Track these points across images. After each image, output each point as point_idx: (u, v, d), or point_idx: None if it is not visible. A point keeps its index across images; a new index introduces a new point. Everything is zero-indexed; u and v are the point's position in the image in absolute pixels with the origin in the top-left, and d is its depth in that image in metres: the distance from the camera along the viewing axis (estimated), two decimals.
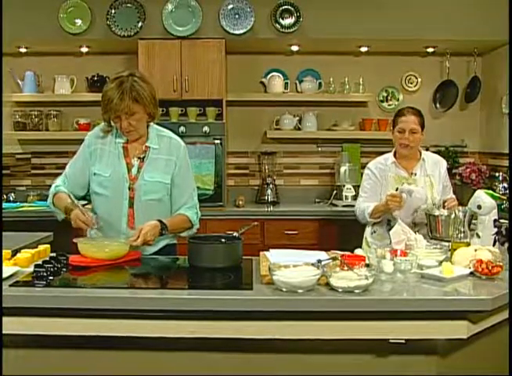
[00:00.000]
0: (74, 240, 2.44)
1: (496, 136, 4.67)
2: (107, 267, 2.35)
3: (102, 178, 2.61)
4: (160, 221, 2.55)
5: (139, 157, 2.63)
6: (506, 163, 4.37)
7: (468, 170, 4.63)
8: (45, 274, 2.14)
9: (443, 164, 3.39)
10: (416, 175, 3.28)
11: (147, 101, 2.52)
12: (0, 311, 1.89)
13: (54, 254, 2.41)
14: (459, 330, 1.94)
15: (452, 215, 2.58)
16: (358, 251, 2.44)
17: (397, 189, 3.10)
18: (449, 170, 4.75)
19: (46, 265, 2.19)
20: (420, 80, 4.96)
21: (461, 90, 4.86)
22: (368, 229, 3.41)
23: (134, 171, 2.61)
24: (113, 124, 2.59)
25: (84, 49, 4.64)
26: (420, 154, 3.33)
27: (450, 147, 4.90)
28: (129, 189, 2.60)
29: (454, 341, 1.99)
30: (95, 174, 2.62)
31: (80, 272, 2.27)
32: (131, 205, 2.60)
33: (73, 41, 4.38)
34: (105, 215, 2.63)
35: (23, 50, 4.61)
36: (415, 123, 3.24)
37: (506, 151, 4.28)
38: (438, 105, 4.93)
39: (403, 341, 1.97)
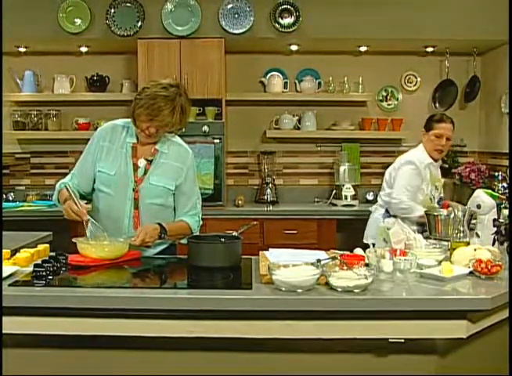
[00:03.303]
0: (74, 240, 2.44)
1: (496, 136, 4.67)
2: (107, 266, 2.34)
3: (107, 176, 2.59)
4: (161, 225, 2.54)
5: (147, 159, 2.61)
6: (505, 162, 4.38)
7: (467, 169, 4.63)
8: (44, 274, 2.14)
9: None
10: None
11: (184, 122, 2.56)
12: (0, 311, 1.89)
13: (53, 254, 2.40)
14: (459, 329, 1.94)
15: (452, 215, 2.58)
16: (357, 251, 2.44)
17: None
18: (449, 169, 4.80)
19: (45, 265, 2.18)
20: (419, 79, 4.96)
21: (460, 89, 4.87)
22: (390, 221, 3.41)
23: (140, 172, 2.59)
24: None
25: (84, 49, 4.64)
26: None
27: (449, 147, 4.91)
28: (133, 190, 2.58)
29: (453, 340, 1.99)
30: (99, 171, 2.61)
31: (79, 272, 2.27)
32: (136, 207, 2.59)
33: (72, 40, 4.38)
34: (106, 213, 2.62)
35: (22, 49, 4.61)
36: (451, 131, 3.55)
37: (506, 151, 4.28)
38: (437, 104, 4.93)
39: (402, 341, 1.98)
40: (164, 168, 2.62)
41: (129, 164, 2.59)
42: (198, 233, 2.73)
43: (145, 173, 2.60)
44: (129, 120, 2.59)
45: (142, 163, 2.60)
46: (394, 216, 3.46)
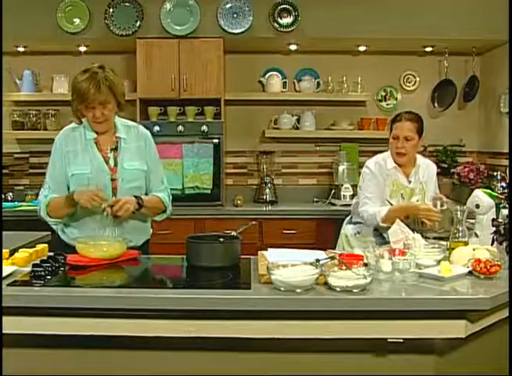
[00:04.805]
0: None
1: (495, 135, 4.67)
2: (105, 266, 2.34)
3: (83, 175, 2.61)
4: (135, 196, 2.59)
5: (112, 148, 2.67)
6: (504, 162, 4.38)
7: (466, 169, 4.63)
8: (42, 273, 2.14)
9: (434, 169, 3.33)
10: (411, 182, 3.20)
11: (120, 92, 2.61)
12: (0, 311, 1.89)
13: (52, 254, 2.40)
14: (458, 329, 1.94)
15: (444, 207, 2.56)
16: (356, 251, 2.44)
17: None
18: (448, 169, 4.79)
19: (44, 265, 2.18)
20: (418, 79, 4.96)
21: (459, 89, 4.86)
22: (349, 228, 3.34)
23: (111, 162, 2.65)
24: (83, 119, 2.64)
25: (83, 48, 4.64)
26: (415, 160, 3.21)
27: (448, 146, 4.91)
28: (111, 180, 2.63)
29: (452, 340, 1.99)
30: (73, 175, 2.62)
31: (78, 272, 2.27)
32: (114, 195, 2.63)
33: (71, 40, 4.38)
34: (88, 211, 2.60)
35: (21, 49, 4.60)
36: (409, 130, 3.08)
37: (505, 150, 4.29)
38: (436, 104, 4.93)
39: (401, 341, 1.97)
40: (130, 152, 2.69)
41: (99, 158, 2.65)
42: (171, 208, 2.80)
43: (115, 161, 2.65)
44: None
45: (109, 153, 2.66)
46: (354, 223, 3.32)
